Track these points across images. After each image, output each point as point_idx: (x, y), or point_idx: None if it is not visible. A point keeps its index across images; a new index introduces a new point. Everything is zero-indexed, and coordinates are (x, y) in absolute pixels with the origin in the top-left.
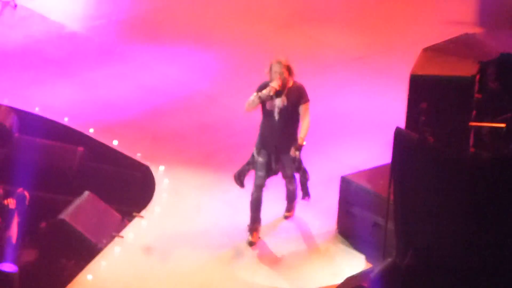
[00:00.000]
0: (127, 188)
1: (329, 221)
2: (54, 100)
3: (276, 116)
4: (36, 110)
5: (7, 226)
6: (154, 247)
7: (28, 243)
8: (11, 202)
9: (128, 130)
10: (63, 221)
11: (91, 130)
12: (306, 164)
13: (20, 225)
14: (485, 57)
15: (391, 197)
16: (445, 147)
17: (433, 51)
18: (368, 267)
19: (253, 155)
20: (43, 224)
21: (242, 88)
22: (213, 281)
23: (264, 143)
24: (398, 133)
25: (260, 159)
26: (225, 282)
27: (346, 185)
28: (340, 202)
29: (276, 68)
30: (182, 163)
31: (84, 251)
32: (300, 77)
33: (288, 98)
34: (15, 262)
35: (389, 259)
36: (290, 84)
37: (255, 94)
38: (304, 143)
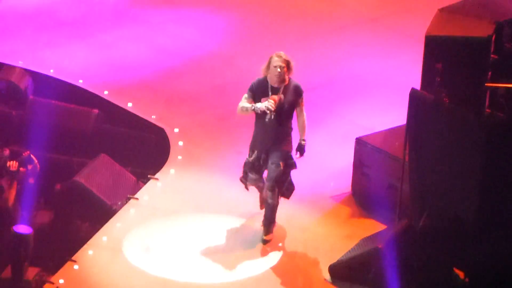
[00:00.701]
0: (142, 150)
1: (344, 183)
2: (69, 62)
3: (270, 118)
4: (51, 72)
5: (9, 188)
6: (168, 209)
7: (43, 205)
8: (13, 165)
9: (142, 92)
10: (78, 182)
11: (106, 92)
12: (321, 125)
13: (32, 188)
14: (501, 17)
15: (407, 158)
16: (461, 108)
17: (449, 12)
18: (382, 229)
19: (246, 159)
20: (58, 186)
21: (256, 50)
22: (227, 243)
23: (256, 145)
24: (413, 94)
25: (252, 160)
26: (237, 244)
27: (361, 146)
28: (354, 164)
29: (276, 62)
30: (196, 125)
31: (99, 213)
32: (316, 38)
33: (285, 97)
34: (30, 224)
35: (404, 221)
36: (287, 81)
37: (245, 95)
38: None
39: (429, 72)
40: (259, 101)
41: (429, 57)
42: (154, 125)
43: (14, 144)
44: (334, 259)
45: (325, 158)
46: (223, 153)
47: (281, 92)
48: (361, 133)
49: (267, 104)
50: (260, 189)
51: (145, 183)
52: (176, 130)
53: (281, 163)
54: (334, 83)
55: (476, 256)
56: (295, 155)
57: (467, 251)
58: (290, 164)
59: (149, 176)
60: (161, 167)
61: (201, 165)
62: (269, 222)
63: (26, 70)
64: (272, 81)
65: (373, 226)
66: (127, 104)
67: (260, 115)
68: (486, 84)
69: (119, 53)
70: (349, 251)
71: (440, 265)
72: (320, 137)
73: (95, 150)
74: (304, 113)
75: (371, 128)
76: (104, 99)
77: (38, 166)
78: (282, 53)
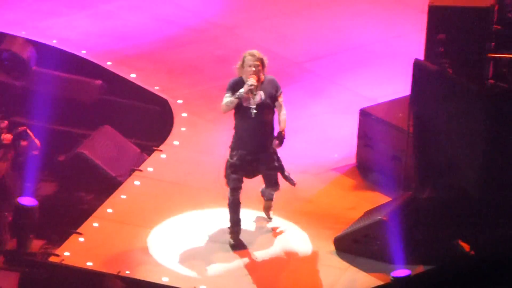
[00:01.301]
0: (145, 122)
1: (348, 154)
2: (72, 32)
3: (253, 113)
4: (54, 43)
5: (3, 160)
6: (172, 180)
7: (47, 176)
8: (6, 138)
9: (145, 63)
10: (82, 154)
11: (109, 63)
12: (325, 96)
13: (36, 159)
14: None
15: (411, 129)
16: (464, 78)
17: None
18: (387, 201)
19: (227, 161)
20: (61, 158)
21: (258, 19)
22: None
23: (241, 145)
24: (417, 64)
25: (235, 161)
26: (244, 214)
27: (365, 117)
28: (359, 135)
29: (250, 61)
30: (199, 96)
31: (103, 185)
32: (319, 7)
33: (264, 92)
34: (34, 196)
35: (408, 193)
36: (262, 79)
37: (228, 95)
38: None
39: (432, 43)
40: (241, 101)
41: (432, 27)
42: (158, 96)
43: (16, 115)
44: (338, 232)
45: (329, 129)
46: (226, 124)
47: (258, 89)
48: (365, 104)
49: (249, 82)
50: (236, 190)
51: (149, 154)
52: (180, 101)
53: (276, 164)
54: (337, 54)
55: (481, 228)
56: (273, 143)
57: (472, 223)
58: (279, 161)
59: (153, 147)
60: (165, 139)
61: (204, 136)
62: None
63: (28, 40)
64: (247, 77)
65: (377, 198)
66: (130, 75)
67: (242, 113)
68: (488, 54)
69: (121, 23)
70: (354, 223)
71: (445, 238)
72: (323, 108)
73: (98, 122)
74: (284, 106)
75: (375, 99)
76: (107, 70)
77: (38, 142)
78: (255, 52)
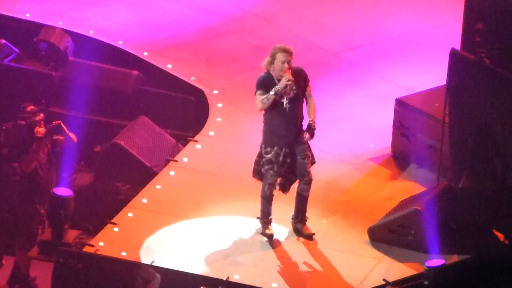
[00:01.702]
0: (181, 112)
1: (384, 144)
2: (109, 23)
3: (287, 107)
4: (91, 33)
5: (34, 152)
6: (208, 170)
7: (83, 167)
8: (40, 131)
9: (181, 53)
10: (118, 144)
11: (145, 54)
12: (361, 86)
13: (73, 150)
14: None
15: (447, 119)
16: (501, 68)
17: None
18: (422, 191)
19: (261, 155)
20: (98, 148)
21: (296, 9)
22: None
23: (275, 139)
24: (453, 54)
25: (271, 157)
26: (279, 203)
27: (401, 107)
28: (394, 125)
29: (283, 57)
30: (235, 86)
31: (139, 175)
32: None
33: (296, 84)
34: (70, 186)
35: (444, 182)
36: None
37: (260, 92)
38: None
39: (469, 32)
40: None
41: (469, 16)
42: (194, 86)
43: (53, 105)
44: (373, 221)
45: (365, 119)
46: (262, 114)
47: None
48: (401, 93)
49: (285, 78)
50: (273, 185)
51: (184, 145)
52: (215, 91)
53: (309, 153)
54: (375, 43)
55: None
56: (304, 136)
57: (507, 213)
58: (312, 156)
59: (188, 138)
60: (200, 129)
61: (240, 127)
62: (305, 212)
63: (66, 31)
64: (278, 75)
65: (413, 188)
66: (166, 65)
67: (275, 108)
68: None
69: (159, 13)
70: (389, 213)
71: (480, 227)
72: (360, 98)
73: (134, 112)
74: (312, 96)
75: (411, 88)
76: (144, 60)
77: (74, 136)
78: (286, 47)
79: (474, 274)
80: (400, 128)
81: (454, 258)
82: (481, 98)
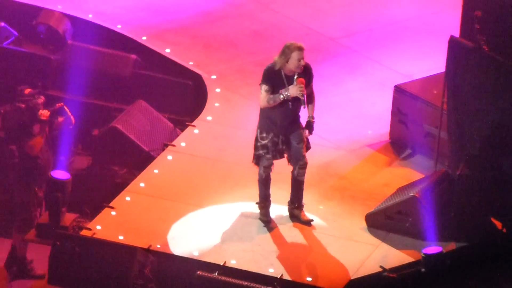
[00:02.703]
0: (180, 97)
1: (381, 130)
2: (107, 7)
3: (291, 102)
4: (90, 17)
5: (38, 135)
6: (205, 155)
7: (81, 150)
8: (44, 114)
9: (180, 37)
10: (115, 128)
11: (144, 38)
12: (360, 72)
13: (70, 133)
14: None
15: (445, 106)
16: (500, 55)
17: None
18: (420, 178)
19: (257, 139)
20: (95, 132)
21: None
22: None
23: (271, 126)
24: (452, 41)
25: (267, 143)
26: (277, 189)
27: (399, 94)
28: (393, 112)
29: (299, 55)
30: (233, 71)
31: (137, 159)
32: None
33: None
34: (67, 169)
35: (442, 170)
36: None
37: (266, 87)
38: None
39: (468, 19)
40: (276, 90)
41: (468, 3)
42: (192, 71)
43: (52, 89)
44: (371, 208)
45: (363, 105)
46: (259, 99)
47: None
48: (400, 80)
49: (298, 90)
50: (269, 168)
51: (182, 130)
52: (214, 76)
53: (303, 138)
54: (373, 30)
55: None
56: (304, 133)
57: (505, 201)
58: (307, 142)
59: (186, 123)
60: (198, 114)
61: (238, 112)
62: (301, 198)
63: (65, 14)
64: (289, 70)
65: (410, 175)
66: (165, 50)
67: (278, 104)
68: None
69: None
70: (386, 199)
71: (478, 215)
72: (358, 84)
73: (132, 96)
74: (314, 93)
75: (410, 75)
76: (142, 45)
77: (73, 118)
78: (300, 45)
79: (471, 262)
80: (398, 114)
81: (451, 246)
82: (480, 86)
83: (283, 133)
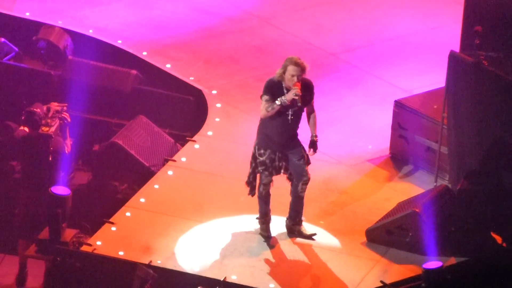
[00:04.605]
0: (180, 112)
1: (382, 145)
2: (108, 22)
3: (290, 116)
4: (90, 32)
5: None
6: (206, 170)
7: (81, 166)
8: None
9: (181, 53)
10: (116, 144)
11: (144, 53)
12: (360, 87)
13: (71, 148)
14: None
15: (445, 121)
16: (500, 70)
17: None
18: (420, 193)
19: (255, 156)
20: (96, 147)
21: (295, 10)
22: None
23: (269, 143)
24: (452, 56)
25: (265, 160)
26: (277, 204)
27: (399, 109)
28: (393, 126)
29: (294, 71)
30: (234, 86)
31: (137, 174)
32: None
33: (302, 97)
34: (68, 185)
35: (442, 185)
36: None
37: (267, 98)
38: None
39: (468, 34)
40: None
41: (468, 19)
42: (192, 86)
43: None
44: (371, 223)
45: (364, 120)
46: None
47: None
48: (400, 95)
49: (293, 91)
50: (267, 185)
51: (183, 145)
52: (214, 91)
53: (304, 154)
54: (374, 45)
55: None
56: (308, 152)
57: (505, 215)
58: (307, 157)
59: (186, 138)
60: (199, 129)
61: (238, 127)
62: (301, 214)
63: (65, 30)
64: (287, 85)
65: (411, 190)
66: (165, 65)
67: (277, 116)
68: None
69: (158, 13)
70: (387, 214)
71: (478, 230)
72: (358, 99)
73: (133, 111)
74: (315, 109)
75: (410, 90)
76: (143, 60)
77: (70, 145)
78: (299, 61)
79: (472, 277)
80: (399, 129)
81: (452, 261)
82: (480, 100)
83: (280, 150)
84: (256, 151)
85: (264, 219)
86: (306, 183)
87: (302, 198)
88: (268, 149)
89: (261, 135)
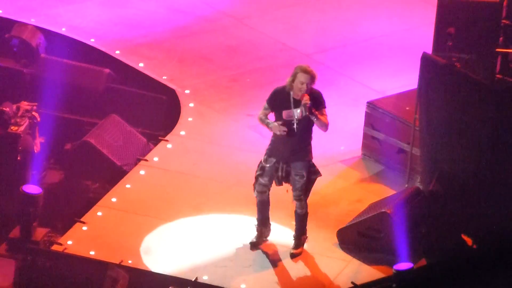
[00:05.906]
0: (153, 111)
1: (354, 146)
2: (81, 20)
3: (295, 126)
4: (63, 30)
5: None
6: (178, 170)
7: (53, 164)
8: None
9: (154, 52)
10: (88, 143)
11: (117, 52)
12: (333, 88)
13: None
14: None
15: (417, 123)
16: (472, 73)
17: None
18: (392, 194)
19: (261, 162)
20: (68, 146)
21: (268, 10)
22: (238, 202)
23: (274, 152)
24: (425, 58)
25: (265, 165)
26: (250, 204)
27: (371, 110)
28: (365, 127)
29: (304, 78)
30: (207, 86)
31: (109, 174)
32: None
33: (308, 108)
34: (39, 183)
35: (413, 186)
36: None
37: (266, 106)
38: (309, 103)
39: (441, 36)
40: (279, 112)
41: (441, 21)
42: (165, 85)
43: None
44: (343, 223)
45: (336, 121)
46: (234, 115)
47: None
48: (372, 96)
49: (302, 104)
50: (262, 193)
51: (155, 144)
52: (187, 91)
53: (304, 173)
54: (347, 46)
55: (484, 223)
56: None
57: (475, 217)
58: (314, 172)
59: (159, 137)
60: (172, 129)
61: (211, 127)
62: (300, 233)
63: (38, 27)
64: (296, 94)
65: (382, 191)
66: (138, 64)
67: (282, 124)
68: (497, 49)
69: (131, 12)
70: (358, 215)
71: (449, 231)
72: (331, 100)
73: (105, 110)
74: (327, 118)
75: (383, 91)
76: (116, 59)
77: (39, 145)
78: (308, 69)
79: (442, 278)
80: (371, 131)
81: (422, 262)
82: (452, 103)
83: (285, 161)
84: (264, 157)
85: (258, 227)
86: (297, 199)
87: (299, 215)
88: (274, 157)
89: (271, 142)
